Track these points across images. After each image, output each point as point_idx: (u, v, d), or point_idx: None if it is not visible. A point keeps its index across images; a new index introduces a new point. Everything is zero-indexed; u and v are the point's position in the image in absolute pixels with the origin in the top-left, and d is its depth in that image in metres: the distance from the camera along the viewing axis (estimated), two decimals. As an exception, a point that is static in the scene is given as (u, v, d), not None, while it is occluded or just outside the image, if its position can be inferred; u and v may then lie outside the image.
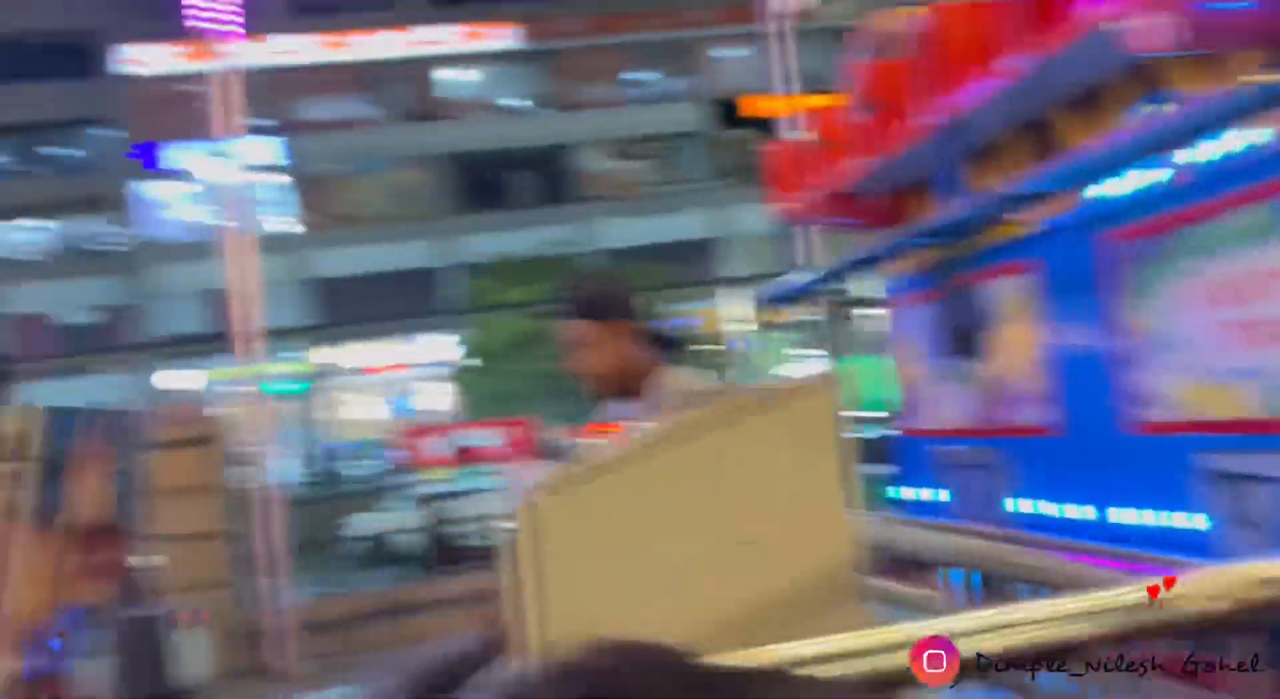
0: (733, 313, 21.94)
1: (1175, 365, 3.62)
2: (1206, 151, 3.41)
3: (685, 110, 29.27)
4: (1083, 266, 4.06)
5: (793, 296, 6.39)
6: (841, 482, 1.49)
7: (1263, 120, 3.03)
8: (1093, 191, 3.94)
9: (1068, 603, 1.08)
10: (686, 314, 24.45)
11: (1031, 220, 4.22)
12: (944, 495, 5.27)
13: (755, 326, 20.54)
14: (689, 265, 29.59)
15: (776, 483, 1.46)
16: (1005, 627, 1.08)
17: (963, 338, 4.83)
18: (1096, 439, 4.06)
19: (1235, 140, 3.31)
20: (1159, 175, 3.65)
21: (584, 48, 32.04)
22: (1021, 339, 4.49)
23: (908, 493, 5.61)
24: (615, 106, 32.36)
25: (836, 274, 5.08)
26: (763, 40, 8.10)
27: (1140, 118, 3.03)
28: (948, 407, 5.20)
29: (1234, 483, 3.30)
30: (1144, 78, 3.05)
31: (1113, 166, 3.51)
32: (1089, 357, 4.09)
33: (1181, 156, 3.52)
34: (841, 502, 1.49)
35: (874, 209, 4.74)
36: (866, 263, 4.86)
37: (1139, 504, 3.77)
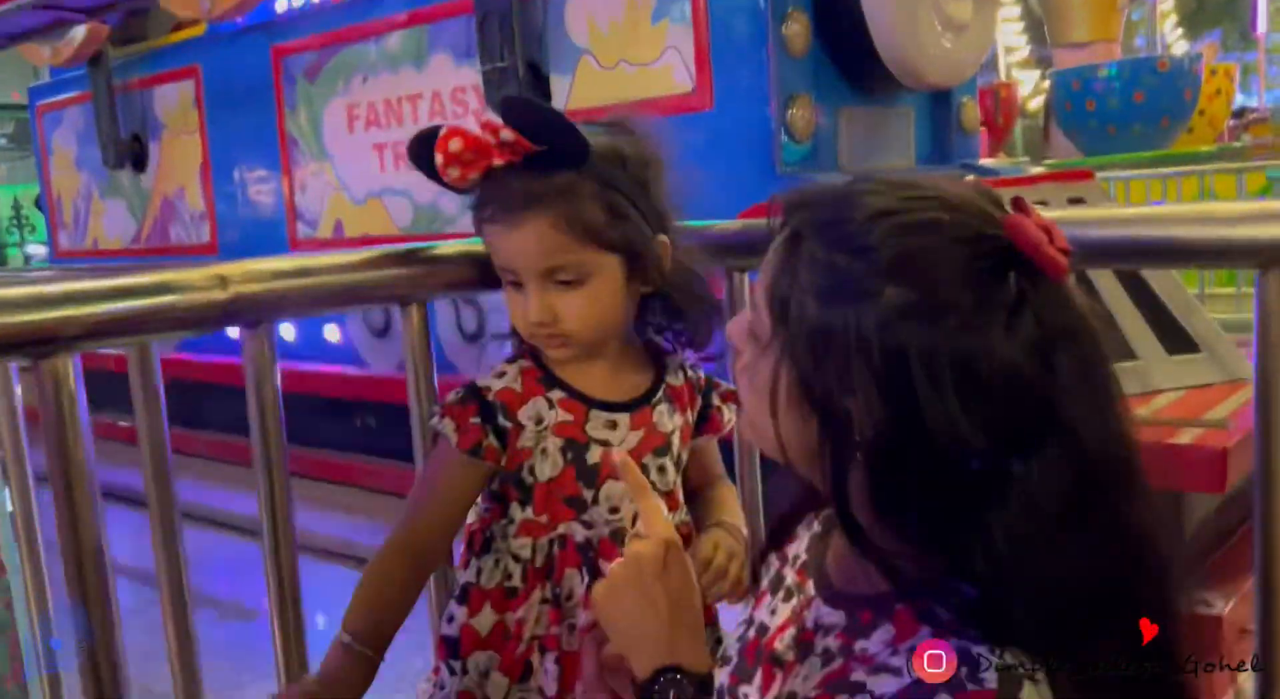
0: None
1: (326, 182, 3.74)
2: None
3: None
4: (246, 77, 3.95)
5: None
6: None
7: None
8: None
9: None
10: None
11: (200, 21, 3.98)
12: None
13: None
14: None
15: None
16: None
17: (125, 148, 4.46)
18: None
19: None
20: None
21: None
22: (186, 149, 4.28)
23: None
24: None
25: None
26: None
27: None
28: (110, 224, 4.79)
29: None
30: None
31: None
32: (250, 169, 4.04)
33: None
34: None
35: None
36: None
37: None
